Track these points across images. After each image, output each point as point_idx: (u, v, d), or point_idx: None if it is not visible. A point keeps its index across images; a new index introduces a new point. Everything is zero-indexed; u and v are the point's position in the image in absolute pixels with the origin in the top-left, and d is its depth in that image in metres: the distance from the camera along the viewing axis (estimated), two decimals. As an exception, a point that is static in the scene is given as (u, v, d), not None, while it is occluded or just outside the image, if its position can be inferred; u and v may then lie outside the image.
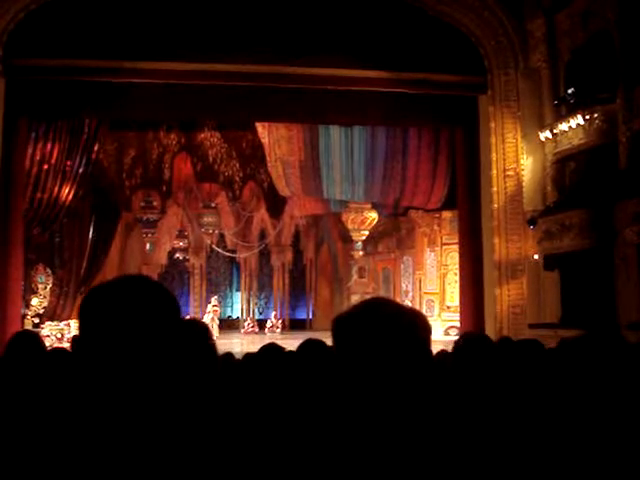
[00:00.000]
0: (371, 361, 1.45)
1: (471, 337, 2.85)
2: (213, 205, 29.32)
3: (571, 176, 16.16)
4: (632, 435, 2.24)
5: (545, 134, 16.37)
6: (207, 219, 29.84)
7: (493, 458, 1.61)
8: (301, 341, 4.00)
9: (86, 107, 17.36)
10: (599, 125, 15.04)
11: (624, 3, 14.49)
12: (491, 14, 17.29)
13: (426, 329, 1.54)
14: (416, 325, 1.51)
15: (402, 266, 28.97)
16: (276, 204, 27.67)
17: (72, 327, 20.51)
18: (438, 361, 4.58)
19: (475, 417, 2.10)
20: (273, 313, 31.44)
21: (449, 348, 3.61)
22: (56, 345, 16.15)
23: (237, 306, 34.18)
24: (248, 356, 4.20)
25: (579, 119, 15.29)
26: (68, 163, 20.55)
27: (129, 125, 23.14)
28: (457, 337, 3.72)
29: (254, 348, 4.43)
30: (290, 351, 3.82)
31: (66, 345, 16.27)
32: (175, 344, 1.60)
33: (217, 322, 27.08)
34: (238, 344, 21.54)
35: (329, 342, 1.80)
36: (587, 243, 14.92)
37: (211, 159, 26.18)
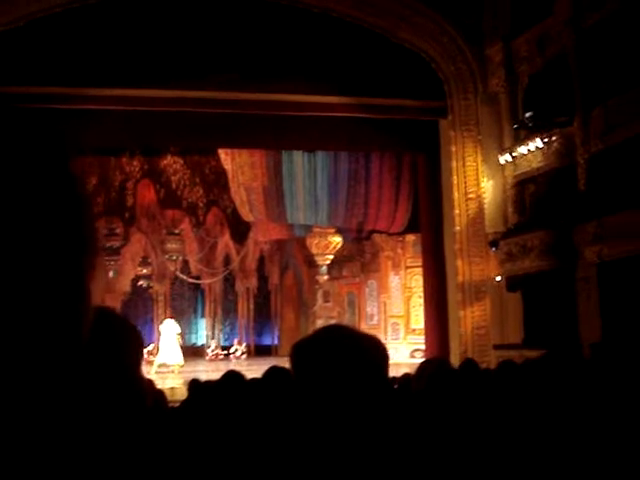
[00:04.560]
0: (329, 387, 1.46)
1: (432, 362, 2.88)
2: (177, 231, 29.10)
3: (531, 198, 16.38)
4: (592, 451, 2.26)
5: (505, 157, 16.60)
6: (171, 245, 29.59)
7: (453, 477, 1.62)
8: (265, 368, 3.99)
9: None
10: (557, 148, 15.30)
11: (579, 29, 14.81)
12: (450, 40, 17.55)
13: (383, 355, 1.55)
14: (373, 351, 1.51)
15: (367, 290, 29.06)
16: (240, 230, 27.60)
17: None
18: (402, 385, 4.58)
19: (434, 440, 2.11)
20: (238, 339, 31.24)
21: (414, 371, 3.62)
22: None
23: (202, 332, 33.90)
24: (210, 384, 4.17)
25: (538, 142, 15.54)
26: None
27: (91, 151, 22.96)
28: (422, 360, 3.77)
29: (218, 376, 4.40)
30: (253, 378, 3.80)
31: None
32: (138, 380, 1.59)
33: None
34: (203, 372, 21.30)
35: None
36: (548, 264, 15.10)
37: (174, 185, 26.06)
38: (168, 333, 22.33)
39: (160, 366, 20.74)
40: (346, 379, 1.44)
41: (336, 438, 1.42)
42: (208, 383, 4.66)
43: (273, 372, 3.65)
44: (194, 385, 5.79)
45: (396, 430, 1.51)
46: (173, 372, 20.98)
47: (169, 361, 21.06)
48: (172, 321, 23.06)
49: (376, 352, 1.52)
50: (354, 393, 1.44)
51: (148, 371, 19.84)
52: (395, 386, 5.92)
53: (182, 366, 21.14)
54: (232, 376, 3.72)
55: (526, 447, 2.31)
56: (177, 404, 5.97)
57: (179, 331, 22.93)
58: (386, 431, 1.44)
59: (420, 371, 2.75)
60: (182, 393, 9.08)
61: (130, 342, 1.59)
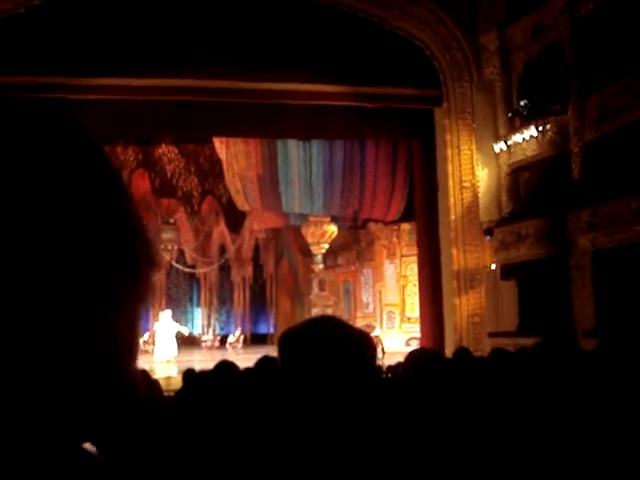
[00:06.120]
0: (314, 377, 1.48)
1: (420, 352, 2.90)
2: (172, 221, 29.09)
3: (526, 186, 16.41)
4: (587, 440, 2.28)
5: (500, 146, 16.61)
6: (166, 235, 29.58)
7: (439, 470, 1.64)
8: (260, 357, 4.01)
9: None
10: (552, 136, 15.32)
11: (574, 17, 14.80)
12: (445, 28, 17.52)
13: (370, 347, 1.57)
14: (359, 343, 1.53)
15: (362, 278, 29.09)
16: (235, 219, 27.56)
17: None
18: (394, 373, 4.60)
19: (421, 428, 2.13)
20: (234, 328, 31.29)
21: (403, 360, 3.63)
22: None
23: (198, 322, 33.96)
24: (204, 374, 4.19)
25: (532, 130, 15.55)
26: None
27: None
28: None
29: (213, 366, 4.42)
30: (246, 368, 3.83)
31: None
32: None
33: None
34: (199, 361, 21.32)
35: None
36: (542, 252, 15.15)
37: (169, 174, 26.03)
38: (164, 327, 22.16)
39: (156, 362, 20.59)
40: (332, 370, 1.46)
41: (322, 427, 1.44)
42: (202, 373, 4.68)
43: (265, 362, 3.69)
44: (188, 375, 5.83)
45: (383, 419, 1.53)
46: (168, 362, 20.91)
47: (158, 356, 20.91)
48: (169, 316, 22.84)
49: (363, 344, 1.54)
50: (340, 383, 1.46)
51: (144, 361, 19.81)
52: (389, 375, 5.96)
53: (170, 361, 20.94)
54: (225, 366, 3.75)
55: (516, 435, 2.33)
56: (172, 393, 6.01)
57: (178, 329, 22.61)
58: (373, 420, 1.46)
59: (408, 361, 2.77)
60: (178, 382, 9.11)
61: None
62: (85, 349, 0.53)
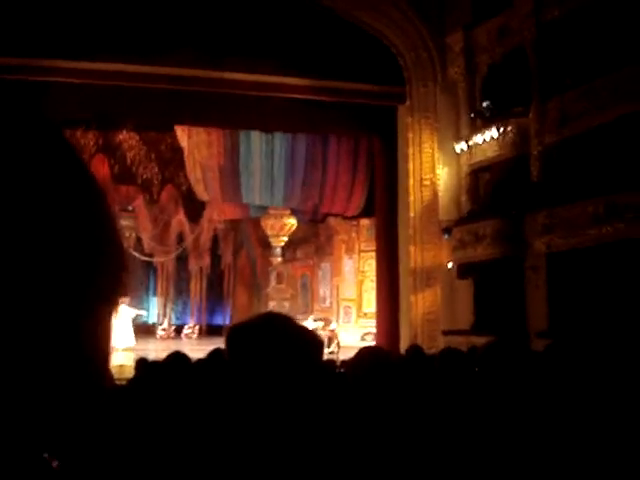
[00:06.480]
0: (259, 371, 1.49)
1: (368, 350, 2.93)
2: (130, 208, 28.73)
3: (485, 187, 16.58)
4: (535, 439, 2.31)
5: (461, 145, 16.75)
6: (124, 222, 29.21)
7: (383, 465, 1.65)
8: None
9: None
10: (512, 138, 15.49)
11: (539, 23, 14.97)
12: (412, 27, 17.60)
13: (316, 344, 1.58)
14: (306, 340, 1.55)
15: (320, 272, 29.14)
16: (195, 208, 27.35)
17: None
18: (347, 369, 4.61)
19: (365, 425, 2.14)
20: (190, 318, 31.09)
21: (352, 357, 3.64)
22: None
23: (154, 311, 33.64)
24: (157, 364, 4.17)
25: (493, 132, 15.71)
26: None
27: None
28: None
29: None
30: (198, 359, 3.83)
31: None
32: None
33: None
34: (153, 351, 21.14)
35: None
36: (499, 252, 15.32)
37: (129, 161, 25.67)
38: (121, 316, 21.88)
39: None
40: (277, 364, 1.47)
41: (265, 419, 1.45)
42: (155, 363, 4.66)
43: (216, 354, 3.68)
44: (141, 364, 5.79)
45: (327, 413, 1.54)
46: (125, 350, 20.66)
47: (118, 344, 20.68)
48: (125, 304, 22.57)
49: (309, 341, 1.55)
50: (284, 378, 1.47)
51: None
52: (342, 370, 5.98)
53: (130, 349, 20.74)
54: (177, 357, 3.73)
55: (460, 434, 2.36)
56: (125, 382, 5.96)
57: (135, 312, 22.41)
58: (315, 412, 1.47)
59: (356, 358, 2.79)
60: (130, 371, 9.04)
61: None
62: (56, 352, 0.50)
